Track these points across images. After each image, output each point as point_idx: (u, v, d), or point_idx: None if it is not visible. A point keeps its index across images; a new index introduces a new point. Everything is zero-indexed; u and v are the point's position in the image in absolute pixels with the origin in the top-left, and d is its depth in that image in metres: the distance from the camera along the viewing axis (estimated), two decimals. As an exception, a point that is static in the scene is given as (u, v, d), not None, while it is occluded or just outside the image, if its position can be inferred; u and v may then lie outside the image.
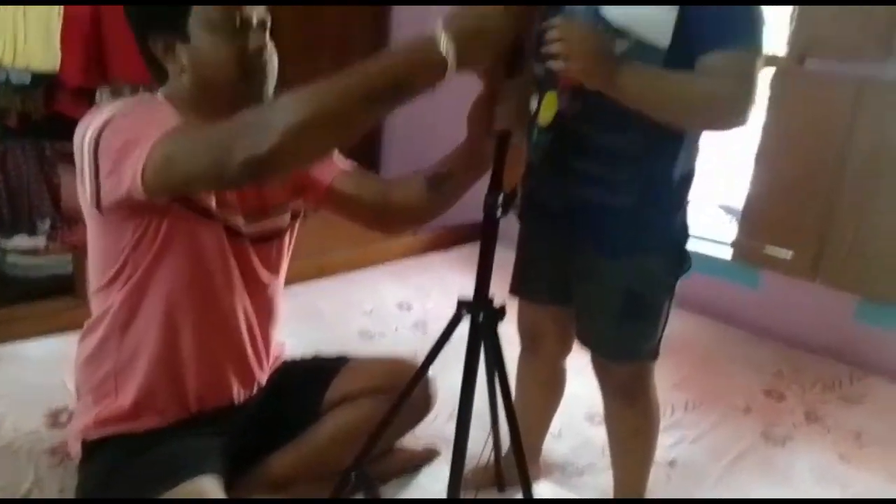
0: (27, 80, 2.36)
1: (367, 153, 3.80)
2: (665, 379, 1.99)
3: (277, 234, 1.32)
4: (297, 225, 1.37)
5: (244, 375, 1.34)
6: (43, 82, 2.42)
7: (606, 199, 1.21)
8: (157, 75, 1.19)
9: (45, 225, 2.42)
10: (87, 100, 2.57)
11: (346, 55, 3.56)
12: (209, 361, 1.27)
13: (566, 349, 1.47)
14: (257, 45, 1.13)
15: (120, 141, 1.01)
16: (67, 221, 2.53)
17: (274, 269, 1.34)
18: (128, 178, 1.00)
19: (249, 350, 1.33)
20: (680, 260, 1.28)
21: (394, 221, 1.34)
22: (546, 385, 1.52)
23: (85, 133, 1.06)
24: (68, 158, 2.50)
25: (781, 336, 2.48)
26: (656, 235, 1.25)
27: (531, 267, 1.39)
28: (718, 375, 2.19)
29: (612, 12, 1.10)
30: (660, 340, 1.30)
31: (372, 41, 3.69)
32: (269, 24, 1.18)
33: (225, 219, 1.19)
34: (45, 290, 2.26)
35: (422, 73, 0.88)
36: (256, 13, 1.15)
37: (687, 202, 1.28)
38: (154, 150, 0.97)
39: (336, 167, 1.34)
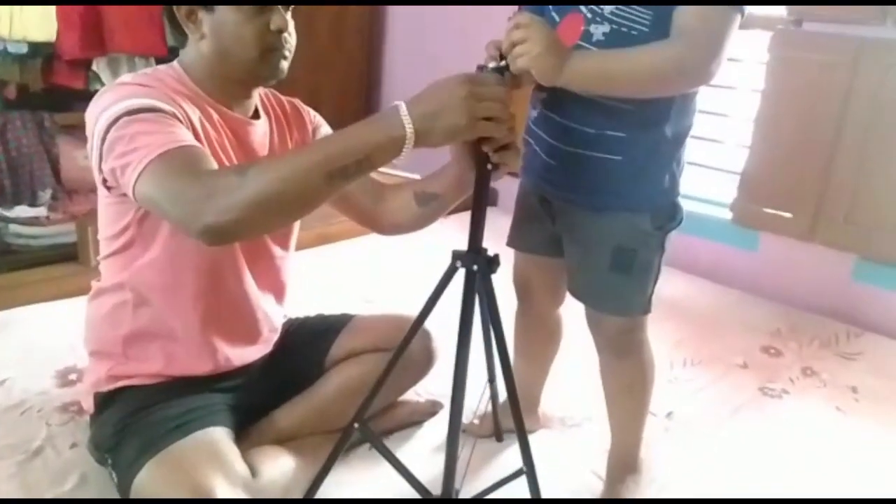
0: (24, 49, 2.35)
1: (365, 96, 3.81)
2: (664, 339, 2.04)
3: None
4: None
5: (255, 342, 1.37)
6: (40, 53, 2.41)
7: (597, 155, 1.22)
8: (177, 38, 1.20)
9: (47, 195, 2.43)
10: (84, 71, 2.57)
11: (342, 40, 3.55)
12: (221, 331, 1.29)
13: (558, 300, 1.49)
14: (279, 26, 1.15)
15: (122, 146, 1.02)
16: (68, 192, 2.54)
17: (282, 244, 1.37)
18: (123, 187, 1.03)
19: (261, 321, 1.36)
20: (670, 216, 1.27)
21: (379, 226, 1.39)
22: (541, 336, 1.54)
23: (98, 117, 1.06)
24: (67, 130, 2.54)
25: (780, 297, 2.50)
26: (645, 192, 1.24)
27: (525, 219, 1.41)
28: (717, 334, 2.22)
29: None
30: (651, 295, 1.31)
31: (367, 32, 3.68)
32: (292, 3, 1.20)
33: None
34: (48, 259, 2.28)
35: (383, 149, 0.94)
36: None
37: (680, 158, 1.27)
38: (143, 177, 0.98)
39: None
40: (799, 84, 2.35)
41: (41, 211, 2.43)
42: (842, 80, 2.25)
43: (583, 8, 1.16)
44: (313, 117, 1.42)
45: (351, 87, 3.70)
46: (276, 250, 1.36)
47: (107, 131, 1.04)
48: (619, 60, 1.09)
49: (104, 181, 1.11)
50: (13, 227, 2.38)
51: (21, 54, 2.37)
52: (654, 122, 1.20)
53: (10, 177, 2.33)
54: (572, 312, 1.42)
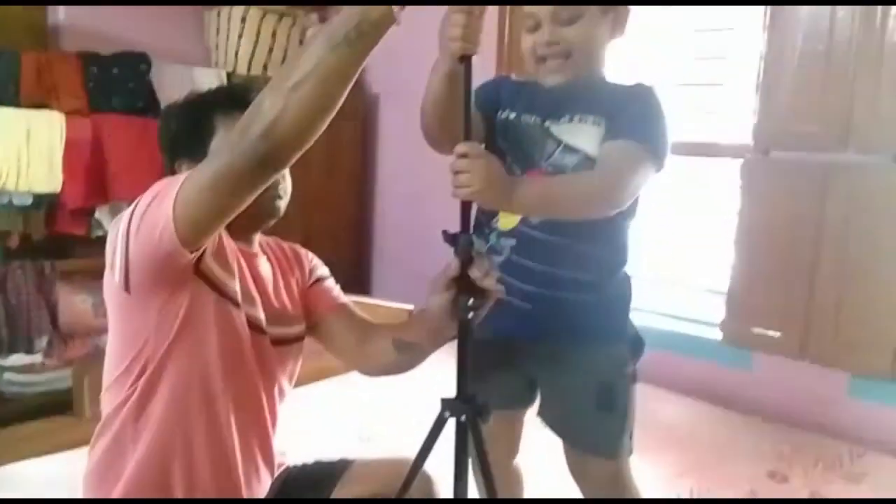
0: (29, 201, 2.44)
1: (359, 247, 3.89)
2: (668, 468, 2.01)
3: (296, 340, 1.36)
4: (303, 342, 1.41)
5: (253, 476, 1.34)
6: (44, 203, 2.51)
7: (571, 297, 1.28)
8: None
9: (43, 342, 2.44)
10: (86, 218, 2.66)
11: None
12: (223, 460, 1.26)
13: (515, 452, 1.50)
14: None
15: (150, 196, 1.07)
16: (64, 338, 2.56)
17: (289, 377, 1.38)
18: (160, 221, 1.05)
19: (258, 454, 1.34)
20: (640, 343, 1.35)
21: (362, 367, 1.42)
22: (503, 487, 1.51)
23: (120, 220, 1.11)
24: (66, 276, 2.59)
25: (779, 416, 2.49)
26: (618, 325, 1.33)
27: (489, 371, 1.38)
28: (721, 461, 2.18)
29: (560, 132, 1.24)
30: (632, 434, 1.33)
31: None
32: None
33: (248, 310, 1.23)
34: (43, 408, 2.25)
35: (368, 6, 0.94)
36: None
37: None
38: (181, 186, 1.03)
39: (334, 303, 1.41)
40: (772, 209, 2.47)
41: (36, 358, 2.43)
42: (812, 204, 2.36)
43: (546, 166, 1.26)
44: (311, 259, 1.48)
45: (343, 226, 3.79)
46: (283, 381, 1.36)
47: (132, 214, 1.08)
48: (556, 187, 1.19)
49: (125, 276, 1.11)
50: (7, 376, 2.37)
51: (25, 206, 2.46)
52: (616, 262, 1.31)
53: (8, 326, 2.35)
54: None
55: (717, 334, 2.62)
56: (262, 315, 1.27)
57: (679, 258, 2.76)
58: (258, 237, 1.34)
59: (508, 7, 2.71)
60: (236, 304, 1.21)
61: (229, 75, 3.17)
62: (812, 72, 2.35)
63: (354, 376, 2.68)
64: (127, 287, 1.14)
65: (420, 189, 3.63)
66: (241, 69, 3.26)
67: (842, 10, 2.26)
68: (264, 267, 1.33)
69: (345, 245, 3.77)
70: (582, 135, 1.23)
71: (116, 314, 1.20)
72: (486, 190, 1.07)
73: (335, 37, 0.95)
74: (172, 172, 1.25)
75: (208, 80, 3.05)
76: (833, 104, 2.30)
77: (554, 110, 1.26)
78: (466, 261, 1.07)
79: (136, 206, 1.10)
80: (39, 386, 2.42)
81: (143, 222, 1.07)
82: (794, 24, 2.38)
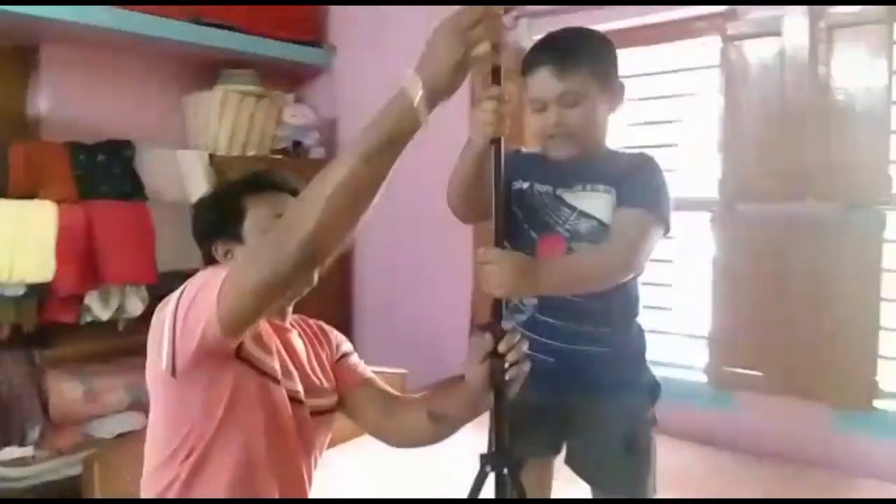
0: (21, 291, 2.43)
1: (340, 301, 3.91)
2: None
3: (329, 412, 1.40)
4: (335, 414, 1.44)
5: None
6: (36, 293, 2.49)
7: (592, 350, 1.39)
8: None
9: (35, 433, 2.39)
10: (76, 304, 2.64)
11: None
12: None
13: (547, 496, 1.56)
14: None
15: (194, 289, 1.13)
16: (55, 427, 2.50)
17: (321, 448, 1.40)
18: (204, 314, 1.09)
19: None
20: (657, 387, 1.46)
21: (392, 440, 1.44)
22: None
23: (165, 307, 1.16)
24: (56, 363, 2.56)
25: (767, 453, 2.56)
26: (636, 373, 1.44)
27: (512, 423, 1.39)
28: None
29: (574, 200, 1.36)
30: (655, 475, 1.41)
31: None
32: None
33: (287, 384, 1.28)
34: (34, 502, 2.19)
35: (397, 117, 1.00)
36: None
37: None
38: (224, 282, 1.08)
39: (360, 377, 1.46)
40: (743, 256, 2.62)
41: (28, 450, 2.38)
42: (779, 250, 2.52)
43: (563, 231, 1.38)
44: (336, 335, 1.53)
45: (325, 293, 3.79)
46: (318, 452, 1.39)
47: (178, 302, 1.13)
48: (574, 266, 1.33)
49: (172, 362, 1.14)
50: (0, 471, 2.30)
51: (16, 296, 2.44)
52: (632, 315, 1.43)
53: (1, 418, 2.30)
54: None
55: (702, 378, 2.72)
56: (300, 387, 1.31)
57: (662, 306, 2.86)
58: (290, 312, 1.40)
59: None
60: (276, 381, 1.26)
61: (211, 157, 3.24)
62: (768, 130, 2.55)
63: (366, 444, 2.67)
64: (174, 372, 1.17)
65: (398, 260, 3.71)
66: (222, 150, 3.32)
67: (791, 74, 2.48)
68: (297, 341, 1.38)
69: (330, 311, 3.79)
70: (595, 202, 1.36)
71: (162, 399, 1.24)
72: (516, 286, 1.19)
73: (369, 149, 1.00)
74: (209, 257, 1.31)
75: (191, 161, 3.12)
76: (790, 159, 2.50)
77: (565, 180, 1.39)
78: (499, 338, 1.16)
79: (181, 294, 1.15)
80: (30, 480, 2.35)
81: (189, 314, 1.12)
82: (748, 88, 2.59)
